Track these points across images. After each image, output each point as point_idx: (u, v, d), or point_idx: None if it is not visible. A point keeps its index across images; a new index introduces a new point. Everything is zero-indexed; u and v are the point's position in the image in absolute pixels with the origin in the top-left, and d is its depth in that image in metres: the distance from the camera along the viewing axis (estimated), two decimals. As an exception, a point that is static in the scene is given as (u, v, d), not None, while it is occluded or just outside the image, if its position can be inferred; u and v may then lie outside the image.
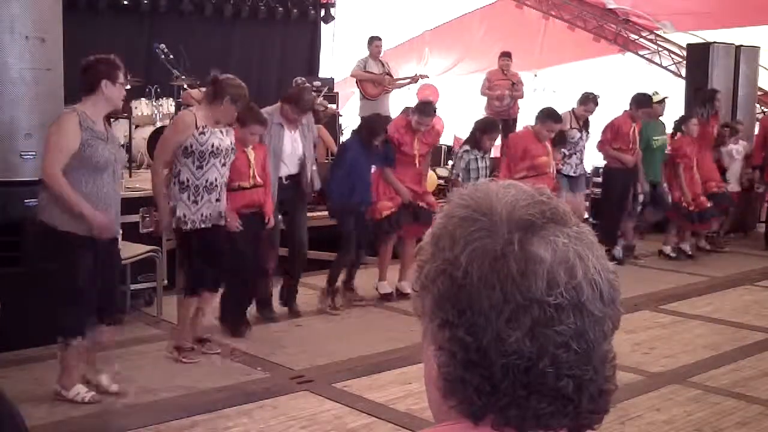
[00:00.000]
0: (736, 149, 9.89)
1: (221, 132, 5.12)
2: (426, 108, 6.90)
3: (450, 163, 11.82)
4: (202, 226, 5.08)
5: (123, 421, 4.28)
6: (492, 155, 7.39)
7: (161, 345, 5.42)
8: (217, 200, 5.14)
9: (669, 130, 9.16)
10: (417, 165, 6.91)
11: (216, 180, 5.09)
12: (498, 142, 8.37)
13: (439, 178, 9.80)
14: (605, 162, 8.85)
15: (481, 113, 10.59)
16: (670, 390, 4.89)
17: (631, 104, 8.58)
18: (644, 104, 8.55)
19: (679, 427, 4.33)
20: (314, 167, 6.44)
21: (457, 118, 11.85)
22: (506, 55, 10.68)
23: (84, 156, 4.26)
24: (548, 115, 7.54)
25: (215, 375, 4.99)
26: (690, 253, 9.23)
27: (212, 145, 5.01)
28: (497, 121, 7.44)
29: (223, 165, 5.12)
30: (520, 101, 10.87)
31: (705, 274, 8.38)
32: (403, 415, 4.32)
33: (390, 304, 6.81)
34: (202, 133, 5.00)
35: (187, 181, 5.01)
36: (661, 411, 4.53)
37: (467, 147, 7.15)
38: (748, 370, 5.33)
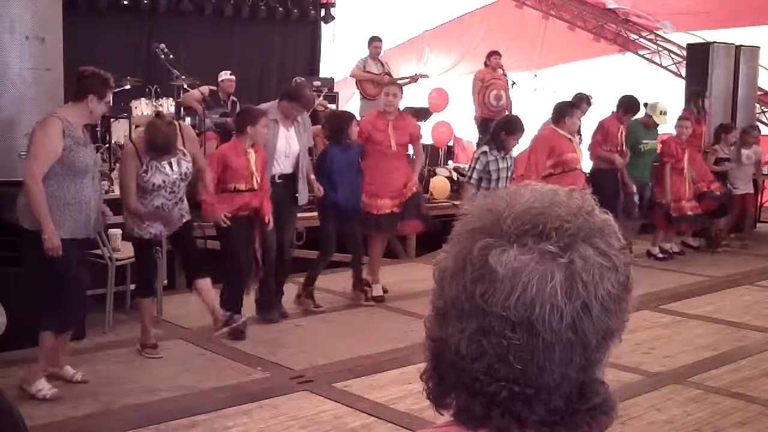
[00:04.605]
0: (747, 154, 9.89)
1: (170, 164, 5.07)
2: (387, 81, 7.08)
3: (450, 163, 11.85)
4: (150, 239, 5.17)
5: (123, 421, 4.27)
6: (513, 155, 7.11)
7: (162, 345, 5.43)
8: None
9: (667, 128, 9.18)
10: (393, 154, 6.70)
11: (162, 204, 5.12)
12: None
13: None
14: (592, 163, 8.84)
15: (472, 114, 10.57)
16: (670, 390, 4.89)
17: (620, 108, 8.57)
18: (631, 110, 8.55)
19: (679, 427, 4.33)
20: (310, 169, 6.36)
21: (457, 118, 11.84)
22: (496, 54, 10.60)
23: (66, 161, 4.41)
24: (571, 105, 7.57)
25: (215, 375, 5.00)
26: (677, 250, 9.24)
27: (153, 185, 5.03)
28: (521, 121, 7.16)
29: (172, 192, 5.11)
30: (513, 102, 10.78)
31: (705, 274, 8.39)
32: (403, 415, 4.32)
33: (390, 304, 6.82)
34: (145, 171, 5.02)
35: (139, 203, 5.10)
36: (661, 411, 4.53)
37: (486, 148, 6.86)
38: (748, 370, 5.33)
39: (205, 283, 5.35)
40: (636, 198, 8.72)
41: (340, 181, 6.35)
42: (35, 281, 4.90)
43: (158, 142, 4.94)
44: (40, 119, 4.59)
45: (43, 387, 4.49)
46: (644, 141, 8.75)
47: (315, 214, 7.12)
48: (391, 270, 7.23)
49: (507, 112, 10.35)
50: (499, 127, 6.94)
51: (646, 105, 8.76)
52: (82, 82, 4.51)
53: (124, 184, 5.14)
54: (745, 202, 10.01)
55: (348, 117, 6.73)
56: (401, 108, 7.24)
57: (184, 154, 5.15)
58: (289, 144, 6.09)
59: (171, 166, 5.07)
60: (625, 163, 8.52)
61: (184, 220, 5.29)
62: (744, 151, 9.86)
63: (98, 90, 4.50)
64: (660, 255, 9.10)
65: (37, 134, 4.44)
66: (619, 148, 8.53)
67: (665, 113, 8.83)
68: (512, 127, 6.84)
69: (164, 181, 5.05)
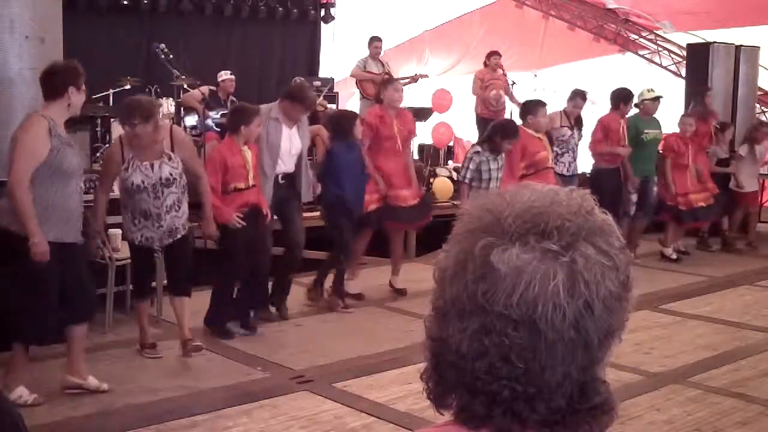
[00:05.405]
0: (760, 150, 9.86)
1: (151, 166, 4.96)
2: (390, 78, 7.16)
3: (450, 163, 11.84)
4: (142, 244, 5.10)
5: (123, 421, 4.28)
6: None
7: (162, 345, 5.43)
8: (159, 227, 5.03)
9: (667, 127, 9.17)
10: (399, 148, 6.81)
11: (149, 210, 4.99)
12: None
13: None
14: (593, 162, 8.80)
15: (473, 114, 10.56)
16: (670, 390, 4.89)
17: (618, 101, 8.50)
18: (629, 99, 8.51)
19: (679, 427, 4.33)
20: (310, 171, 6.36)
21: (457, 118, 11.84)
22: (496, 54, 10.60)
23: (54, 163, 4.24)
24: (536, 103, 7.59)
25: (215, 375, 5.00)
26: (684, 250, 9.24)
27: (132, 183, 4.95)
28: (517, 126, 7.19)
29: (156, 198, 4.98)
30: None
31: (705, 274, 8.38)
32: (403, 415, 4.32)
33: (390, 304, 6.82)
34: (126, 168, 4.96)
35: (126, 204, 5.08)
36: (661, 411, 4.53)
37: (478, 148, 6.94)
38: (748, 370, 5.33)
39: (181, 302, 5.24)
40: (634, 198, 8.66)
41: (346, 179, 6.32)
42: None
43: (129, 102, 5.03)
44: (24, 119, 4.41)
45: (23, 393, 4.35)
46: (646, 131, 8.70)
47: (315, 214, 7.11)
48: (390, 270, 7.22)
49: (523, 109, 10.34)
50: (495, 131, 7.02)
51: (636, 105, 8.74)
52: (60, 76, 4.36)
53: (101, 177, 5.23)
54: (751, 200, 9.96)
55: (351, 116, 6.72)
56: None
57: (170, 159, 5.01)
58: (291, 143, 6.09)
59: (152, 168, 4.96)
60: (628, 153, 8.47)
61: (180, 235, 5.13)
62: (757, 147, 9.84)
63: (75, 81, 4.38)
64: (673, 256, 9.03)
65: (20, 135, 4.24)
66: (621, 143, 8.47)
67: (651, 89, 8.80)
68: (508, 131, 6.96)
69: (143, 182, 4.93)
